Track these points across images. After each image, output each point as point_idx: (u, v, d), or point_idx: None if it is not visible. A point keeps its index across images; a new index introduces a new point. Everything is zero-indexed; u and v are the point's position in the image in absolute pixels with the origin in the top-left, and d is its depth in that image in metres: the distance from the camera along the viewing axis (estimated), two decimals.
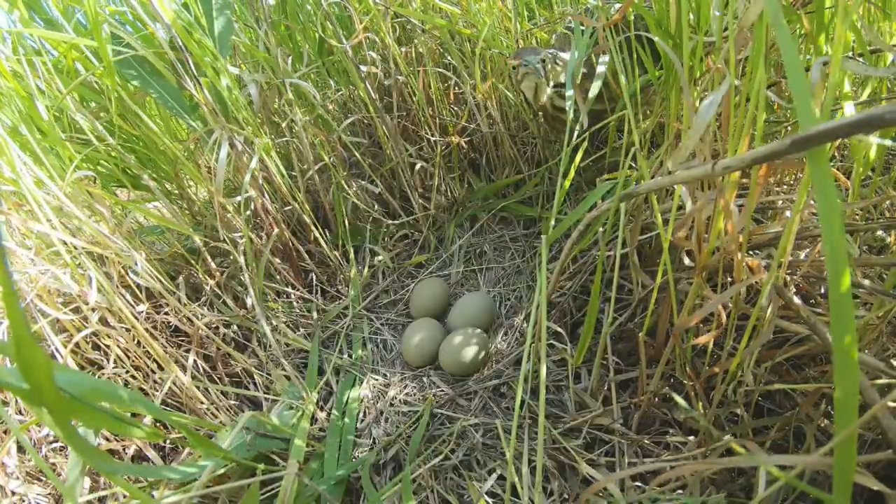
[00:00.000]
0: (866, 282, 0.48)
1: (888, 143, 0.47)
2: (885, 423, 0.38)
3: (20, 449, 0.64)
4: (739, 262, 0.45)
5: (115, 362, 0.71)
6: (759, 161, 0.34)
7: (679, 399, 0.54)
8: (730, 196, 0.43)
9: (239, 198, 0.79)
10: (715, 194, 0.44)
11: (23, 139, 0.72)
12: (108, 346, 0.71)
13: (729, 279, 0.58)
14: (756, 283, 0.46)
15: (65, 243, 0.64)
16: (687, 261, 0.58)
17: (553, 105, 0.80)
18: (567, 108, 0.70)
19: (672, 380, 0.61)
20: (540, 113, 0.86)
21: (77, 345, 0.71)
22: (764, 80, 0.39)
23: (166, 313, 0.78)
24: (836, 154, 0.76)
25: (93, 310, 0.69)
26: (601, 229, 0.66)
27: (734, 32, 0.41)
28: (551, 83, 0.77)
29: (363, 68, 0.92)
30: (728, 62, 0.40)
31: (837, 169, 0.73)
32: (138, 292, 0.78)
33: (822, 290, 0.57)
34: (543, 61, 0.75)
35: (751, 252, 0.56)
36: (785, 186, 0.69)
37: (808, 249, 0.58)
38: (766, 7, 0.34)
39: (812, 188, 0.29)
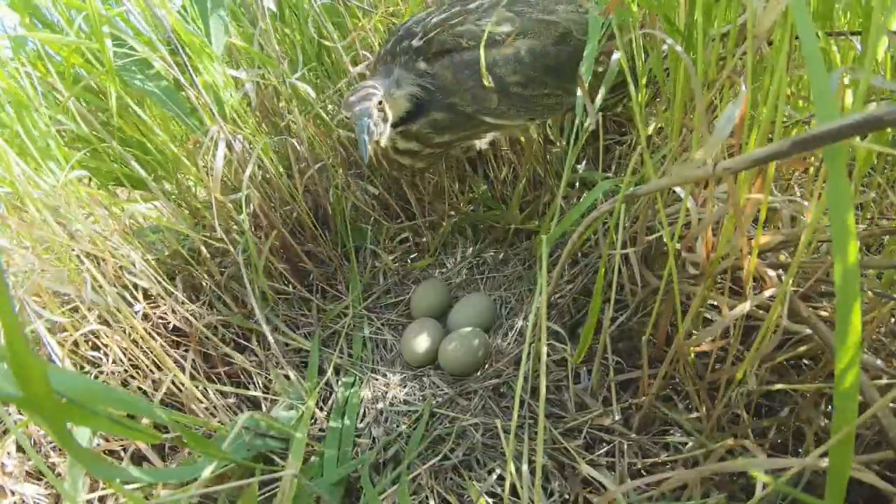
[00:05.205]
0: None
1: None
2: (885, 423, 0.38)
3: (19, 448, 0.64)
4: (750, 271, 0.44)
5: (113, 362, 0.71)
6: (760, 162, 0.34)
7: (680, 405, 0.54)
8: (742, 200, 0.42)
9: (235, 196, 0.78)
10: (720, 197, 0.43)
11: (20, 143, 0.72)
12: (107, 346, 0.70)
13: (733, 285, 0.57)
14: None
15: (60, 244, 0.64)
16: (693, 266, 0.57)
17: (395, 148, 0.71)
18: (413, 148, 0.66)
19: (674, 380, 0.61)
20: (378, 157, 0.73)
21: (76, 344, 0.71)
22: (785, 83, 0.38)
23: (165, 313, 0.78)
24: None
25: (89, 309, 0.68)
26: (601, 229, 0.66)
27: (753, 35, 0.39)
28: (389, 123, 0.68)
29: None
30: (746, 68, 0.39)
31: None
32: (135, 292, 0.77)
33: (822, 289, 0.56)
34: (380, 104, 0.65)
35: (759, 257, 0.55)
36: (781, 189, 0.69)
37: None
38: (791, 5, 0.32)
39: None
